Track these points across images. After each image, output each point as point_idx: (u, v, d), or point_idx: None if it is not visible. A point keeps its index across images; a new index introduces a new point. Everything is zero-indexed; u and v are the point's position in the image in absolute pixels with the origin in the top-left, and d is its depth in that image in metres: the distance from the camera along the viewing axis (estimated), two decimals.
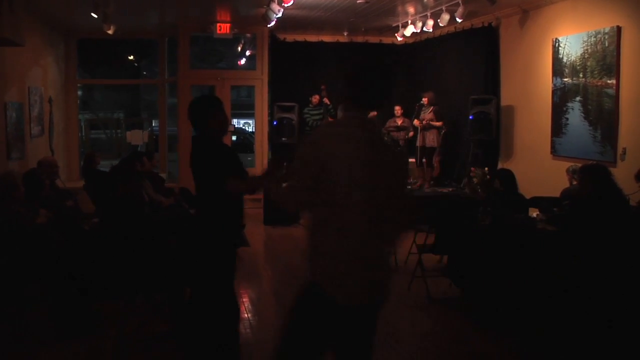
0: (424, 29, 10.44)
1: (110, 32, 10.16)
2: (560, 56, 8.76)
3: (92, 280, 5.31)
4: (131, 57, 21.18)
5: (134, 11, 10.59)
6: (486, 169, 9.79)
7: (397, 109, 12.05)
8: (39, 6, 9.80)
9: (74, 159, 13.21)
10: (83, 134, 14.77)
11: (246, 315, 6.14)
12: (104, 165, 9.81)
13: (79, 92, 14.24)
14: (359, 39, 13.11)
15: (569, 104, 8.61)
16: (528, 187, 7.72)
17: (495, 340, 5.42)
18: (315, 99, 12.10)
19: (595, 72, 8.07)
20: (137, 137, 13.54)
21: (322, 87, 11.95)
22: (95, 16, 9.68)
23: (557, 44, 8.83)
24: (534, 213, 6.73)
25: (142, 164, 8.33)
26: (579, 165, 6.66)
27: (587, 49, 8.20)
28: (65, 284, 5.43)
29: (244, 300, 6.66)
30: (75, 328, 5.34)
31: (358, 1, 9.41)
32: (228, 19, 11.74)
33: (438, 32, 11.67)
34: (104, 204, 6.71)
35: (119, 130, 16.53)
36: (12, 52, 8.98)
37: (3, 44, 8.13)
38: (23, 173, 7.07)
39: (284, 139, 11.91)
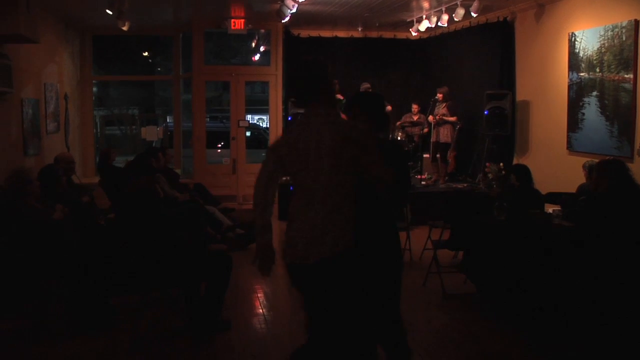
0: (439, 23, 10.40)
1: (124, 28, 10.19)
2: (577, 50, 8.69)
3: (109, 275, 5.35)
4: (146, 54, 21.23)
5: (148, 7, 10.63)
6: (501, 164, 9.77)
7: (415, 108, 12.01)
8: (54, 3, 9.85)
9: (90, 155, 13.29)
10: (98, 130, 14.86)
11: (261, 310, 6.16)
12: (119, 162, 9.86)
13: (94, 89, 14.31)
14: (373, 34, 13.09)
15: (586, 99, 8.55)
16: (544, 183, 7.67)
17: (510, 337, 5.40)
18: None
19: (612, 66, 8.00)
20: (152, 133, 13.60)
21: (335, 81, 11.91)
22: (110, 13, 9.71)
23: (573, 38, 8.76)
24: (549, 209, 6.69)
25: (157, 160, 8.37)
26: (596, 160, 6.62)
27: (603, 43, 8.14)
28: (82, 279, 5.47)
29: (259, 295, 6.68)
30: (91, 323, 5.38)
31: None
32: (242, 14, 11.74)
33: (453, 27, 11.62)
34: (119, 199, 6.75)
35: (134, 127, 16.58)
36: (28, 49, 9.04)
37: (19, 40, 8.18)
38: (40, 169, 7.12)
39: None
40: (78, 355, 4.90)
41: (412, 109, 12.06)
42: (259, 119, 25.00)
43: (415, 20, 11.24)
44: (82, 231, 6.20)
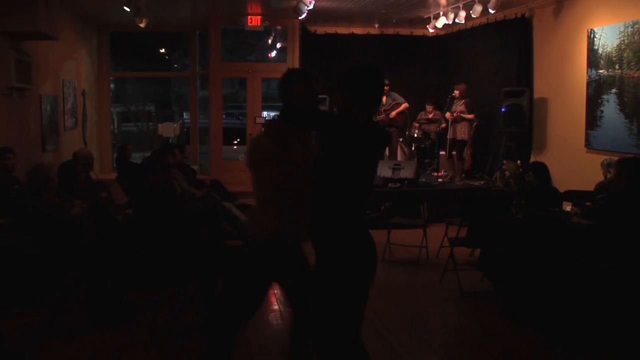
0: (456, 20, 10.36)
1: (142, 25, 10.24)
2: (596, 47, 8.63)
3: (126, 271, 5.38)
4: (162, 50, 21.28)
5: (165, 4, 10.66)
6: (518, 162, 9.72)
7: (429, 108, 11.96)
8: (72, 0, 9.90)
9: (107, 152, 13.37)
10: (115, 127, 14.91)
11: (277, 306, 6.16)
12: (136, 158, 9.91)
13: (112, 85, 14.36)
14: (390, 30, 13.06)
15: (604, 96, 8.48)
16: (562, 181, 7.64)
17: (527, 334, 5.37)
18: None
19: (632, 63, 7.93)
20: (168, 130, 13.65)
21: None
22: (128, 10, 9.76)
23: (592, 35, 8.69)
24: (567, 207, 6.65)
25: (174, 156, 8.41)
26: (614, 158, 6.56)
27: (623, 40, 8.06)
28: (100, 274, 5.50)
29: (275, 291, 6.68)
30: (109, 318, 5.40)
31: None
32: (259, 11, 11.76)
33: (470, 24, 11.57)
34: (136, 195, 6.78)
35: (150, 123, 16.63)
36: (47, 46, 9.10)
37: (38, 37, 8.25)
38: (59, 164, 7.18)
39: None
40: (95, 350, 4.93)
41: (427, 109, 12.01)
42: (274, 115, 25.01)
43: (432, 17, 11.20)
44: (100, 227, 6.24)
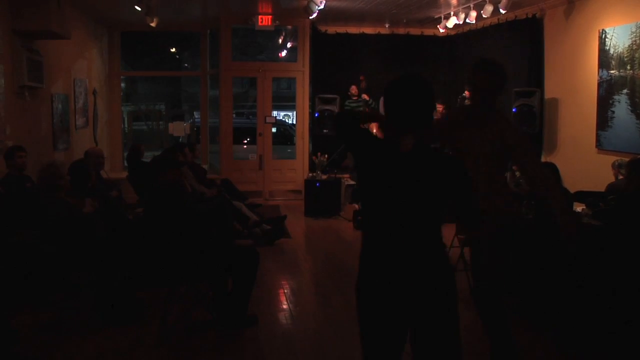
0: (467, 20, 10.32)
1: (153, 24, 10.27)
2: (607, 48, 8.59)
3: (137, 269, 5.40)
4: (173, 50, 21.35)
5: (176, 4, 10.69)
6: None
7: (439, 107, 11.94)
8: (84, 0, 9.96)
9: (117, 151, 13.41)
10: (126, 126, 14.95)
11: (287, 305, 6.18)
12: (147, 157, 9.95)
13: (122, 84, 14.40)
14: (401, 30, 13.04)
15: (616, 97, 8.45)
16: (572, 182, 7.59)
17: (537, 335, 5.36)
18: (353, 89, 12.10)
19: None
20: (179, 129, 13.68)
21: (361, 77, 11.89)
22: (139, 9, 9.80)
23: (603, 35, 8.66)
24: (578, 208, 6.63)
25: (184, 155, 8.44)
26: (625, 159, 6.54)
27: (635, 40, 8.03)
28: (111, 273, 5.52)
29: (285, 290, 6.70)
30: (119, 316, 5.43)
31: None
32: (270, 11, 11.77)
33: (481, 24, 11.53)
34: (147, 194, 6.81)
35: (161, 122, 16.67)
36: (58, 45, 9.16)
37: (50, 36, 8.30)
38: (71, 163, 7.21)
39: (325, 130, 11.92)
40: (106, 348, 4.96)
41: (438, 109, 11.98)
42: (284, 115, 25.03)
43: (443, 17, 11.18)
44: (111, 225, 6.27)
